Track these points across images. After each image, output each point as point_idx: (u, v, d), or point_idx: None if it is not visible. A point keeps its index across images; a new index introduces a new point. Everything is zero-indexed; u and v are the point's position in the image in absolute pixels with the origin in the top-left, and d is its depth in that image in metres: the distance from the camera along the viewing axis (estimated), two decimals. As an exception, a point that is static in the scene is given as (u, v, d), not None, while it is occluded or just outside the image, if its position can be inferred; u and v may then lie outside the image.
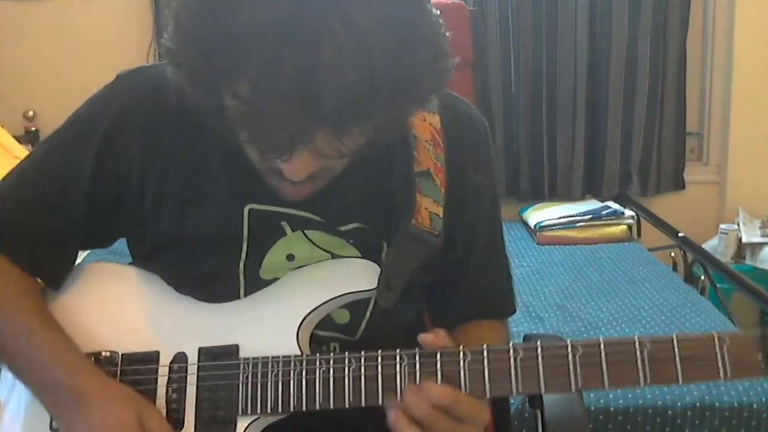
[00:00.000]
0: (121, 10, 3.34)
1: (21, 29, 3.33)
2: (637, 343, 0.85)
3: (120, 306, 0.96)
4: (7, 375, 0.98)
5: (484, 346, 0.87)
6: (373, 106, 0.74)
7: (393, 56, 0.73)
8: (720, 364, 0.84)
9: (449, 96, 1.04)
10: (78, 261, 1.04)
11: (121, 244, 1.07)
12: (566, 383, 0.86)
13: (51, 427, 0.94)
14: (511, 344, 0.88)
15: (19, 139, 3.03)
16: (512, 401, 1.72)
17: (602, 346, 0.86)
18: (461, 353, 0.87)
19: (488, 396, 0.87)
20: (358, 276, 0.95)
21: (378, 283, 0.94)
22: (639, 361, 0.85)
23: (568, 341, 0.87)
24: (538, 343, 0.87)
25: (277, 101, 0.72)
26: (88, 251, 2.73)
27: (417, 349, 0.88)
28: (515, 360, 0.86)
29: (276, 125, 0.74)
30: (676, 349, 0.85)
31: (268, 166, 0.86)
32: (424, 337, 0.89)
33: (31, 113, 3.35)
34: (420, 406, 0.85)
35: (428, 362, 0.88)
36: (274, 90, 0.72)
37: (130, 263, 1.04)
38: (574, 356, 0.86)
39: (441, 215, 0.98)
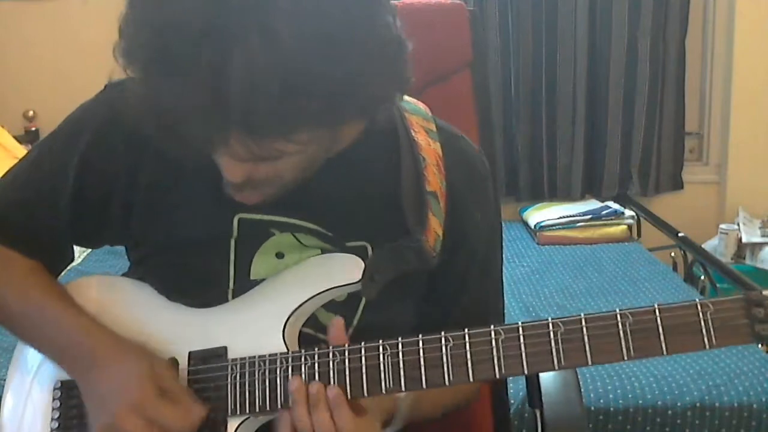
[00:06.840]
0: (121, 11, 3.33)
1: (21, 29, 3.33)
2: (618, 316, 0.83)
3: (111, 318, 0.97)
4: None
5: (466, 330, 0.87)
6: (286, 110, 0.73)
7: (311, 61, 0.72)
8: (704, 332, 0.81)
9: (451, 133, 1.05)
10: (80, 259, 1.05)
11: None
12: (549, 362, 0.84)
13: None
14: (492, 327, 0.86)
15: (19, 139, 3.04)
16: (512, 401, 1.72)
17: (583, 322, 0.83)
18: (443, 339, 0.87)
19: (472, 380, 0.86)
20: (342, 270, 0.94)
21: (362, 275, 0.93)
22: (621, 334, 0.82)
23: (549, 319, 0.85)
24: (519, 323, 0.85)
25: (189, 97, 0.73)
26: (90, 250, 2.76)
27: (399, 338, 0.88)
28: (497, 342, 0.85)
29: (191, 123, 0.75)
30: (658, 319, 0.82)
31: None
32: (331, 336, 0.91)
33: (31, 113, 3.35)
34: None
35: (411, 351, 0.87)
36: (186, 85, 0.72)
37: (124, 273, 1.06)
38: (555, 334, 0.84)
39: (441, 238, 0.98)
